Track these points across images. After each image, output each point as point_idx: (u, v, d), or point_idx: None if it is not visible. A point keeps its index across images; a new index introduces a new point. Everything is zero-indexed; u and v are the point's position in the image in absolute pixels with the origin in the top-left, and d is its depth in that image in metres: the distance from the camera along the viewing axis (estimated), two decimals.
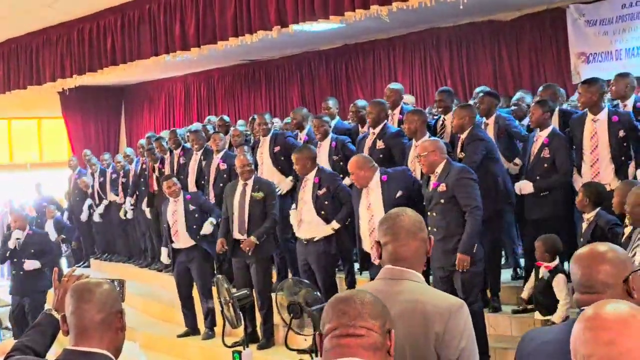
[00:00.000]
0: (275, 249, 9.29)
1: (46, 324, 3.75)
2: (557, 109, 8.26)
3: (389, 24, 10.61)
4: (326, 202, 8.37)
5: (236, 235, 8.97)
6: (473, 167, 7.44)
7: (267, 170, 9.90)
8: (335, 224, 8.32)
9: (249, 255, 8.87)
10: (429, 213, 6.99)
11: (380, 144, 8.73)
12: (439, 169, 7.00)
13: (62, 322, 3.11)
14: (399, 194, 7.45)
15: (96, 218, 14.63)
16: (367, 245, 7.62)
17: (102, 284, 3.10)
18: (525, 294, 7.24)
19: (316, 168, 8.48)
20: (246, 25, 9.16)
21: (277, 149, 9.82)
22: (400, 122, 8.98)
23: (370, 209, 7.57)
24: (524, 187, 7.75)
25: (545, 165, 7.66)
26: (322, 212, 8.36)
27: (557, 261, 6.92)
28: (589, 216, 6.79)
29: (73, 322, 3.02)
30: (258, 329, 9.05)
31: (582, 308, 2.87)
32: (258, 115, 10.40)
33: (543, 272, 6.92)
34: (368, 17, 8.18)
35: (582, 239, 6.69)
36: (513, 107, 9.43)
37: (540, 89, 9.02)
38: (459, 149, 7.96)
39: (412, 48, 14.45)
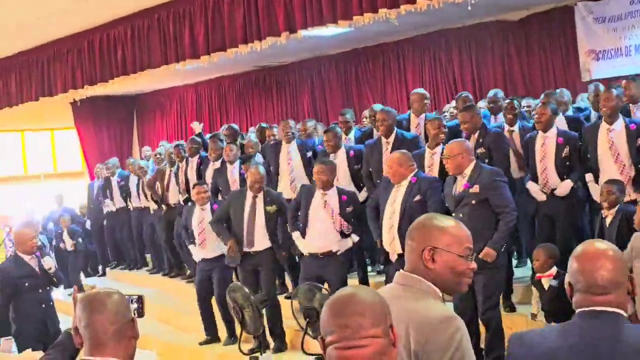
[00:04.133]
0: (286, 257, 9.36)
1: (66, 344, 3.80)
2: (561, 114, 8.36)
3: (397, 27, 10.63)
4: None
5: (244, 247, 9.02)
6: (506, 163, 7.80)
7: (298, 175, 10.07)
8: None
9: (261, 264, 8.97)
10: (454, 214, 7.01)
11: None
12: (467, 170, 7.04)
13: (75, 334, 3.13)
14: (416, 198, 7.54)
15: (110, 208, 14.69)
16: (386, 241, 7.68)
17: (112, 294, 3.10)
18: (534, 309, 7.22)
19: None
20: (255, 32, 9.17)
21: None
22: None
23: (393, 206, 7.67)
24: (564, 188, 7.79)
25: (568, 163, 7.77)
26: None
27: (554, 268, 6.91)
28: (613, 211, 6.95)
29: (87, 335, 3.03)
30: (267, 334, 9.02)
31: (581, 309, 2.86)
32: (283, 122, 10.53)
33: (549, 281, 6.92)
34: (376, 20, 8.18)
35: (606, 234, 6.79)
36: (491, 105, 9.53)
37: (542, 96, 9.10)
38: (474, 147, 7.98)
39: (421, 50, 14.44)
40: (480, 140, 8.00)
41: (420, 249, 2.97)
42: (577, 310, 2.86)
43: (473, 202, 6.94)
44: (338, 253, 8.38)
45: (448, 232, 3.00)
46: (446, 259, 2.97)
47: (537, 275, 7.08)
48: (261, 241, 8.91)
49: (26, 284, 8.20)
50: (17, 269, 8.25)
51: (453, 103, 10.52)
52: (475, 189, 6.94)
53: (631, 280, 2.85)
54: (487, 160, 7.75)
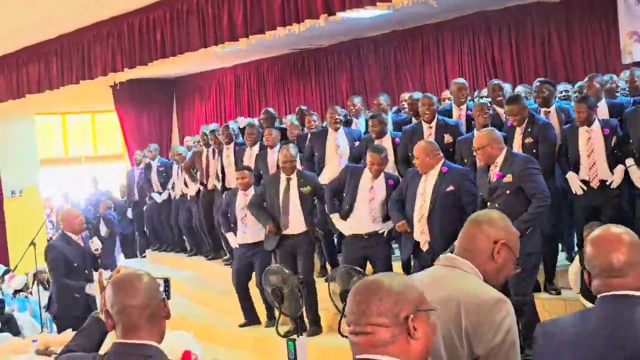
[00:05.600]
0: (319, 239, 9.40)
1: (93, 328, 3.78)
2: (604, 99, 8.26)
3: (436, 9, 10.56)
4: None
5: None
6: (551, 156, 7.81)
7: None
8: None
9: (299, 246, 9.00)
10: (489, 204, 7.00)
11: (448, 138, 8.82)
12: (499, 160, 7.01)
13: (107, 317, 3.12)
14: (449, 188, 7.53)
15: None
16: (417, 231, 7.66)
17: (142, 276, 3.11)
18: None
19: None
20: (294, 14, 9.14)
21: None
22: (468, 118, 9.11)
23: (423, 196, 7.64)
24: (618, 176, 7.74)
25: (615, 151, 7.69)
26: None
27: None
28: None
29: (121, 320, 3.04)
30: (305, 317, 9.03)
31: (601, 295, 2.84)
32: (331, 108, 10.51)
33: None
34: (416, 2, 8.13)
35: None
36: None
37: (586, 79, 8.97)
38: (521, 137, 7.95)
39: (461, 33, 14.32)
40: (529, 129, 7.95)
41: (494, 239, 3.15)
42: (598, 296, 2.85)
43: (507, 192, 6.91)
44: (384, 233, 8.44)
45: (516, 237, 3.23)
46: (507, 258, 3.17)
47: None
48: (297, 224, 8.98)
49: (75, 264, 8.31)
50: (68, 247, 8.34)
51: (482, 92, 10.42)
52: (509, 178, 6.92)
53: None
54: (534, 151, 7.75)
